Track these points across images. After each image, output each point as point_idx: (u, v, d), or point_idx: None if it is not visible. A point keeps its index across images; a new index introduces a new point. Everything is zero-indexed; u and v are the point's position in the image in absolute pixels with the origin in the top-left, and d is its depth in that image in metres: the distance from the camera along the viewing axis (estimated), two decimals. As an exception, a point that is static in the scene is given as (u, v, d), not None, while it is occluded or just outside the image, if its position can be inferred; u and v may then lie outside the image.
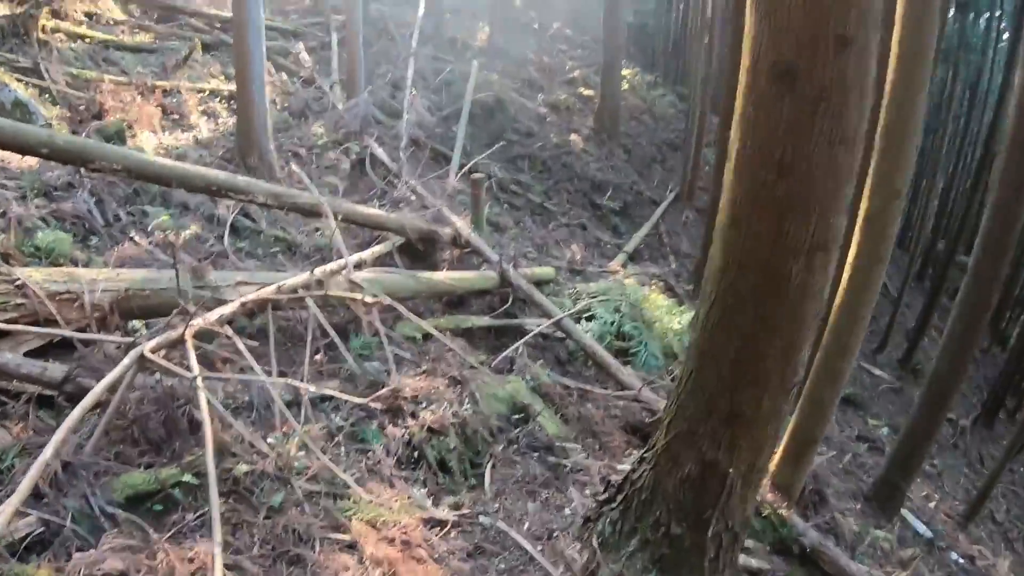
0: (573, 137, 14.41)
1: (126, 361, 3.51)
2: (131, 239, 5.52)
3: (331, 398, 4.35)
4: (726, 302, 3.03)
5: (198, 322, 4.00)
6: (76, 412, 3.15)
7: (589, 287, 8.64)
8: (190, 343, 3.75)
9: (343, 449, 4.14)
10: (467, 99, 13.00)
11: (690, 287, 11.09)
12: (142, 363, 3.55)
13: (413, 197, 9.30)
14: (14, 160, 5.85)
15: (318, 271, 5.31)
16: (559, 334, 6.90)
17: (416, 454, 4.35)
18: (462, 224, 8.02)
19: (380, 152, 9.91)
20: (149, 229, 5.67)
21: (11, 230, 4.79)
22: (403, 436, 4.33)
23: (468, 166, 10.65)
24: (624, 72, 17.67)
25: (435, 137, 12.02)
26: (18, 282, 3.95)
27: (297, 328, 5.14)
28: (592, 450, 5.28)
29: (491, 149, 11.39)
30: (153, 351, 3.60)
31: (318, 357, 4.81)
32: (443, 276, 6.85)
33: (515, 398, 5.26)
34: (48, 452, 2.90)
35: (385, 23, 16.30)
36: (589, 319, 7.45)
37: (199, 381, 3.44)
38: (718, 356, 3.13)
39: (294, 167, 6.88)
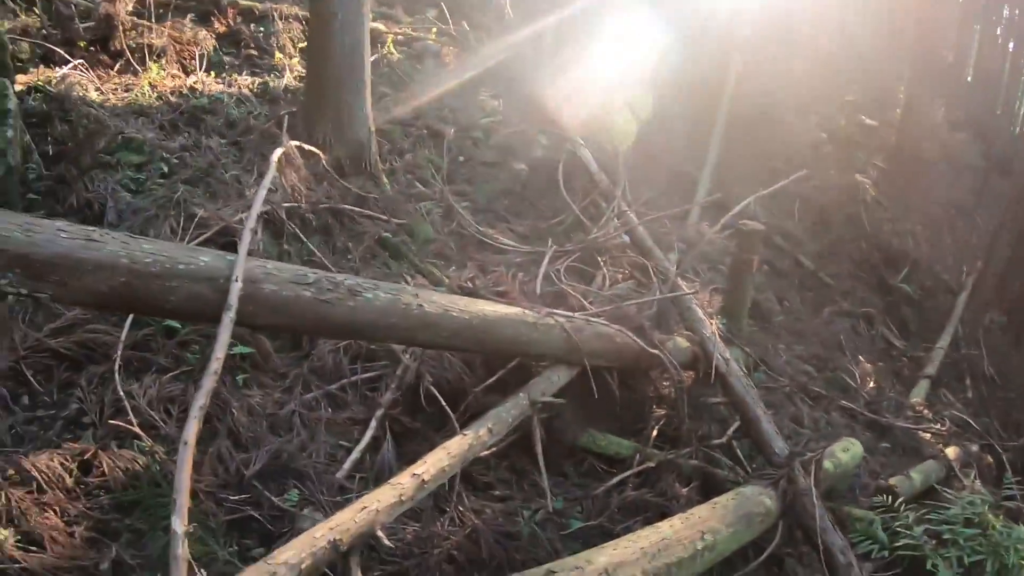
0: (860, 179, 9.93)
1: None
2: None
3: None
4: None
5: None
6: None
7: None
8: None
9: None
10: (723, 104, 9.04)
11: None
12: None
13: (627, 239, 5.62)
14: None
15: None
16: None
17: None
18: (712, 330, 4.10)
19: (586, 154, 6.24)
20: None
21: None
22: None
23: (709, 200, 6.76)
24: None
25: (673, 153, 8.15)
26: None
27: None
28: None
29: (760, 192, 6.72)
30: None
31: None
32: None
33: None
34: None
35: None
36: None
37: None
38: None
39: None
